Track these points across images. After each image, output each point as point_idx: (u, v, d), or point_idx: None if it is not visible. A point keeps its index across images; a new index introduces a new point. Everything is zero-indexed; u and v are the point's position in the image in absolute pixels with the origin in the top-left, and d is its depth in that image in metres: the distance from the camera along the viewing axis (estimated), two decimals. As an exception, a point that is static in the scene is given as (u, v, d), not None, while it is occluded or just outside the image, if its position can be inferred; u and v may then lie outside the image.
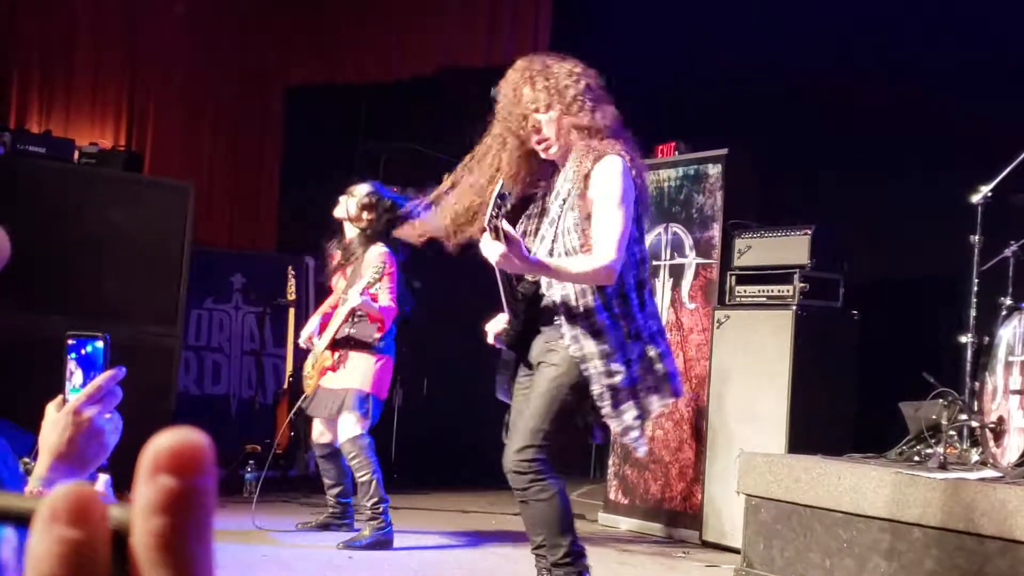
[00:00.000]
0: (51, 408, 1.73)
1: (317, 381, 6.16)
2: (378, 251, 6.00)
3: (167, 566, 0.43)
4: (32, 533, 0.43)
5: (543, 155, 4.15)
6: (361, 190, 6.22)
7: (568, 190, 4.06)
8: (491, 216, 3.67)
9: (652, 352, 4.11)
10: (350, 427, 5.94)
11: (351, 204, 6.18)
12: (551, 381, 4.02)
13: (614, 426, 4.07)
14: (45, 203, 6.81)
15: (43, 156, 7.04)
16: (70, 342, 1.76)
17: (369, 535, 5.82)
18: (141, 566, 0.43)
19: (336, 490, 6.26)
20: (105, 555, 0.43)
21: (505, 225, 3.71)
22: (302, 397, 6.35)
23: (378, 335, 6.01)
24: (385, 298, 5.94)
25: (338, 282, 6.29)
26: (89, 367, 1.76)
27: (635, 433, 4.07)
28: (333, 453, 6.19)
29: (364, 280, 5.81)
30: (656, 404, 4.13)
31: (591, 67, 4.24)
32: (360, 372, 6.02)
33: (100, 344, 1.76)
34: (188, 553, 0.43)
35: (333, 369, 6.07)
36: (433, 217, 4.37)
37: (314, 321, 6.40)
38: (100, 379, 1.74)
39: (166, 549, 0.43)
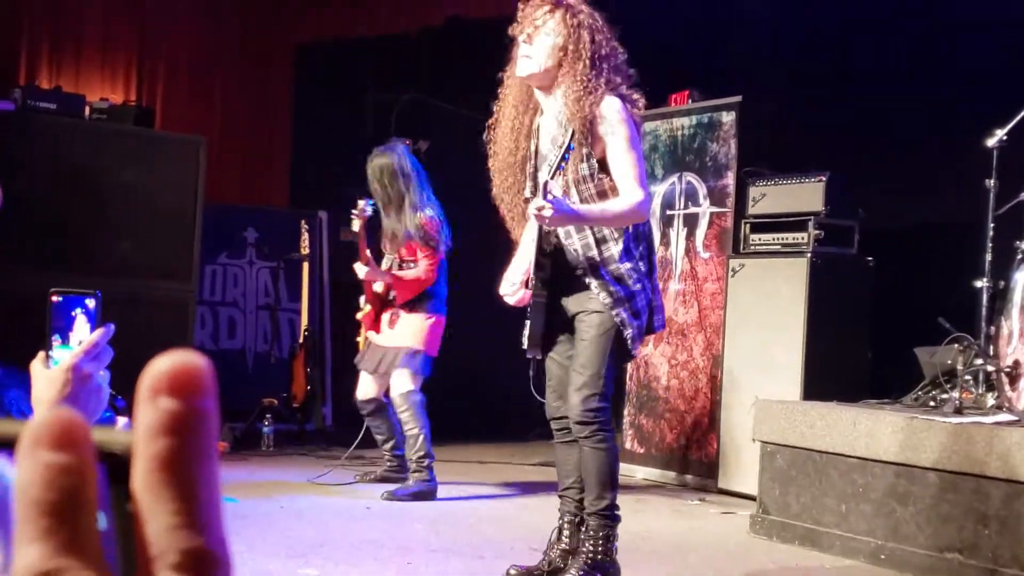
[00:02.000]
0: (38, 365, 1.73)
1: (365, 336, 6.25)
2: (422, 220, 6.03)
3: (171, 487, 0.42)
4: (17, 459, 0.43)
5: (519, 71, 4.14)
6: (389, 156, 6.16)
7: (570, 134, 4.06)
8: (543, 182, 3.87)
9: (651, 285, 4.23)
10: (403, 382, 6.01)
11: (383, 171, 6.15)
12: (597, 328, 4.11)
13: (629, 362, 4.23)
14: (57, 159, 6.81)
15: (54, 112, 7.03)
16: (55, 299, 1.75)
17: (413, 484, 5.92)
18: (144, 490, 0.42)
19: (389, 444, 6.30)
20: (92, 479, 0.42)
21: (552, 186, 3.90)
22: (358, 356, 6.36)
23: (429, 291, 6.08)
24: (421, 265, 6.04)
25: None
26: (77, 323, 1.75)
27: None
28: (379, 409, 6.22)
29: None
30: (642, 335, 4.26)
31: (606, 17, 4.23)
32: (411, 330, 6.07)
33: (92, 302, 1.76)
34: (193, 474, 0.42)
35: (387, 324, 6.13)
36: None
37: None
38: (95, 335, 1.73)
39: (170, 471, 0.42)
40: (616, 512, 4.18)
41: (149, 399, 0.43)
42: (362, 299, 6.25)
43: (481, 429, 8.39)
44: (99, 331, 1.74)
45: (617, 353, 4.16)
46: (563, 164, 3.98)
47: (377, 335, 6.19)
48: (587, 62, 4.08)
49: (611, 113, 4.06)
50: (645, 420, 6.98)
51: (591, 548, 4.12)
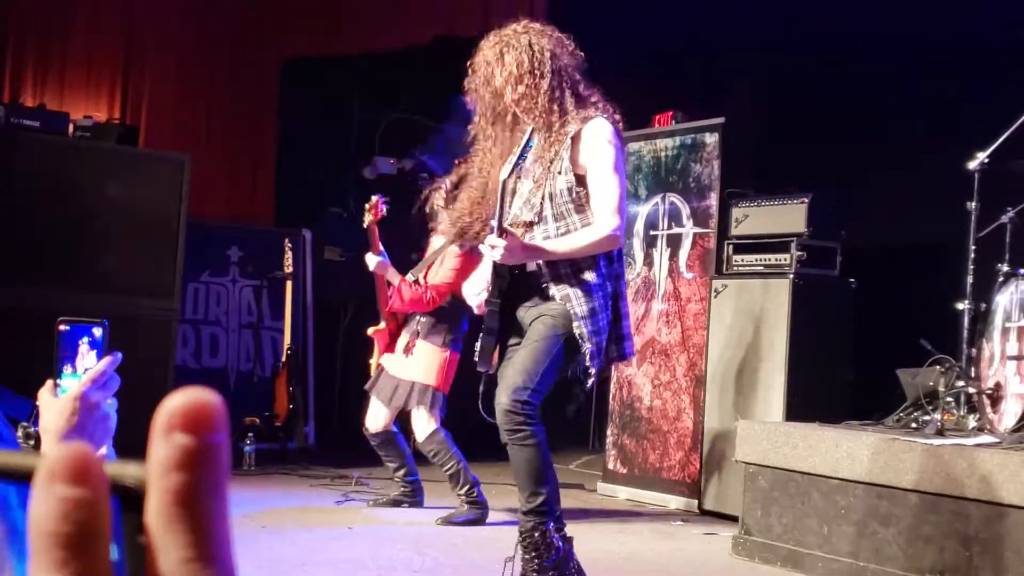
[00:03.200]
0: (45, 393, 1.73)
1: (377, 359, 6.14)
2: (454, 252, 5.87)
3: (184, 522, 0.43)
4: (33, 492, 0.44)
5: (526, 120, 4.16)
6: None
7: (554, 152, 4.08)
8: (499, 216, 3.90)
9: (616, 313, 4.21)
10: (424, 424, 5.95)
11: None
12: (547, 329, 4.10)
13: (589, 383, 4.16)
14: (40, 177, 6.79)
15: (37, 130, 7.02)
16: (62, 328, 1.76)
17: (468, 512, 5.86)
18: (157, 524, 0.44)
19: (401, 471, 6.19)
20: (106, 512, 0.44)
21: (506, 224, 3.96)
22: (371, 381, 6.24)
23: (450, 326, 5.96)
24: (435, 282, 5.90)
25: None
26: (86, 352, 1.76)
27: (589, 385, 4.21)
28: (388, 439, 6.10)
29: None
30: (606, 363, 4.24)
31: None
32: (427, 364, 5.96)
33: (99, 331, 1.77)
34: (205, 509, 0.44)
35: (403, 351, 6.01)
36: (457, 206, 4.45)
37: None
38: (102, 364, 1.74)
39: (183, 505, 0.44)
40: (553, 508, 4.11)
41: (164, 435, 0.44)
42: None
43: (466, 448, 8.35)
44: (106, 359, 1.74)
45: (562, 363, 4.13)
46: (520, 162, 3.99)
47: (391, 358, 6.05)
48: (556, 85, 4.11)
49: (598, 134, 4.08)
50: (628, 440, 6.98)
51: (534, 555, 4.07)
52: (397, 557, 4.98)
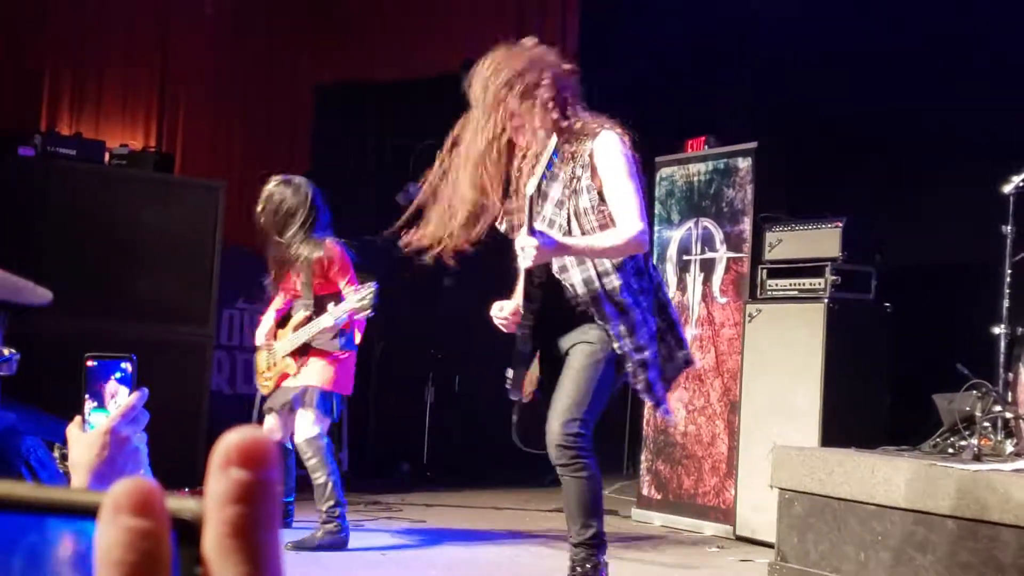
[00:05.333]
0: (74, 429, 1.74)
1: (276, 384, 5.90)
2: (328, 244, 5.72)
3: (240, 551, 0.46)
4: (99, 524, 0.47)
5: (518, 141, 4.16)
6: (270, 189, 5.93)
7: (572, 171, 4.08)
8: (528, 220, 3.86)
9: (667, 322, 4.17)
10: (307, 426, 5.70)
11: (284, 198, 5.85)
12: (588, 357, 4.07)
13: (648, 400, 4.13)
14: (77, 205, 6.86)
15: (74, 158, 7.09)
16: (90, 364, 1.77)
17: (321, 536, 5.62)
18: (214, 554, 0.47)
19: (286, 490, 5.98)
20: (167, 543, 0.47)
21: (537, 223, 3.93)
22: (257, 395, 6.09)
23: (340, 342, 5.78)
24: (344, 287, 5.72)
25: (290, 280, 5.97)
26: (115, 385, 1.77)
27: (664, 405, 4.20)
28: (281, 454, 5.91)
29: (347, 307, 5.59)
30: (673, 373, 4.20)
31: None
32: (319, 369, 5.77)
33: (128, 364, 1.78)
34: (259, 539, 0.47)
35: (295, 362, 5.82)
36: (423, 230, 4.36)
37: (269, 320, 6.08)
38: (132, 398, 1.75)
39: (239, 536, 0.47)
40: (603, 538, 4.09)
41: (222, 469, 0.48)
42: (281, 350, 5.89)
43: (497, 474, 8.36)
44: (135, 394, 1.76)
45: (609, 388, 4.11)
46: (546, 175, 3.99)
47: (289, 380, 5.85)
48: (555, 101, 4.11)
49: (609, 146, 4.08)
50: (662, 466, 6.95)
51: None
52: (430, 583, 4.97)
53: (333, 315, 5.65)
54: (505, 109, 4.13)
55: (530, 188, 3.98)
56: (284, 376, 5.88)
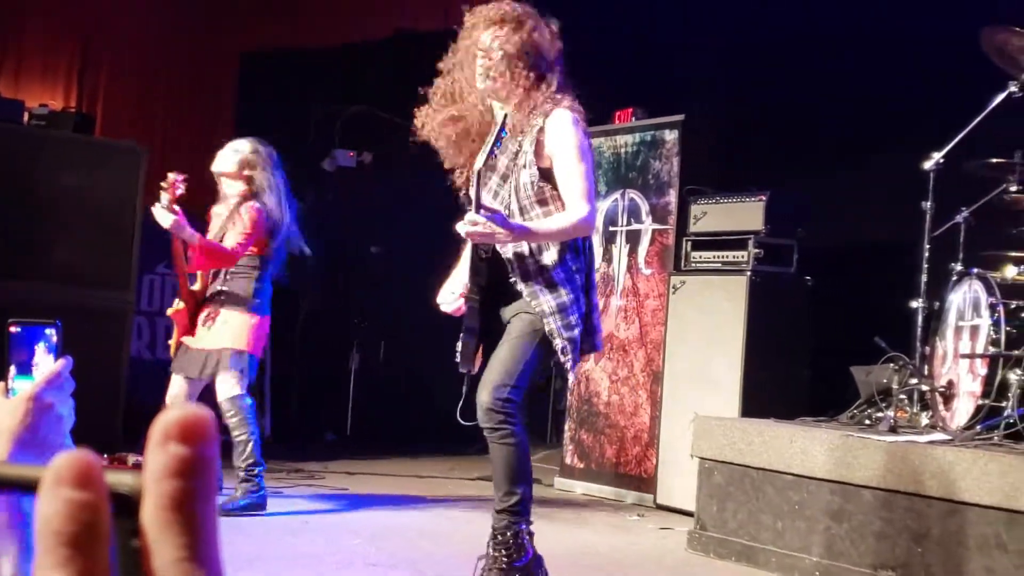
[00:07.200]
0: None
1: (178, 339, 5.80)
2: (250, 204, 5.70)
3: (178, 524, 0.48)
4: (40, 496, 0.48)
5: (483, 83, 4.14)
6: (244, 145, 5.87)
7: (519, 144, 4.07)
8: (476, 195, 3.84)
9: (589, 304, 4.20)
10: (230, 387, 5.64)
11: (231, 160, 5.81)
12: (527, 325, 4.08)
13: (570, 378, 4.16)
14: (-5, 166, 6.71)
15: (-8, 118, 6.94)
16: (13, 330, 1.74)
17: (241, 496, 5.61)
18: (153, 526, 0.48)
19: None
20: (107, 514, 0.48)
21: (487, 200, 3.92)
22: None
23: (252, 290, 5.73)
24: (231, 241, 5.64)
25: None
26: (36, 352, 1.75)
27: (571, 382, 4.24)
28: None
29: (233, 234, 5.58)
30: (580, 356, 4.23)
31: (556, 26, 4.25)
32: (233, 330, 5.70)
33: (52, 331, 1.76)
34: (197, 513, 0.48)
35: (202, 324, 5.74)
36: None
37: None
38: (57, 365, 1.73)
39: (177, 509, 0.48)
40: (527, 507, 4.11)
41: (160, 444, 0.49)
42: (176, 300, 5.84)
43: (421, 442, 8.37)
44: (60, 361, 1.73)
45: (541, 361, 4.12)
46: (495, 150, 3.99)
47: (194, 338, 5.76)
48: (535, 73, 4.11)
49: (561, 125, 4.08)
50: (585, 435, 7.00)
51: (504, 553, 4.07)
52: (354, 551, 4.98)
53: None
54: (499, 59, 4.09)
55: (478, 162, 3.96)
56: (182, 318, 5.77)
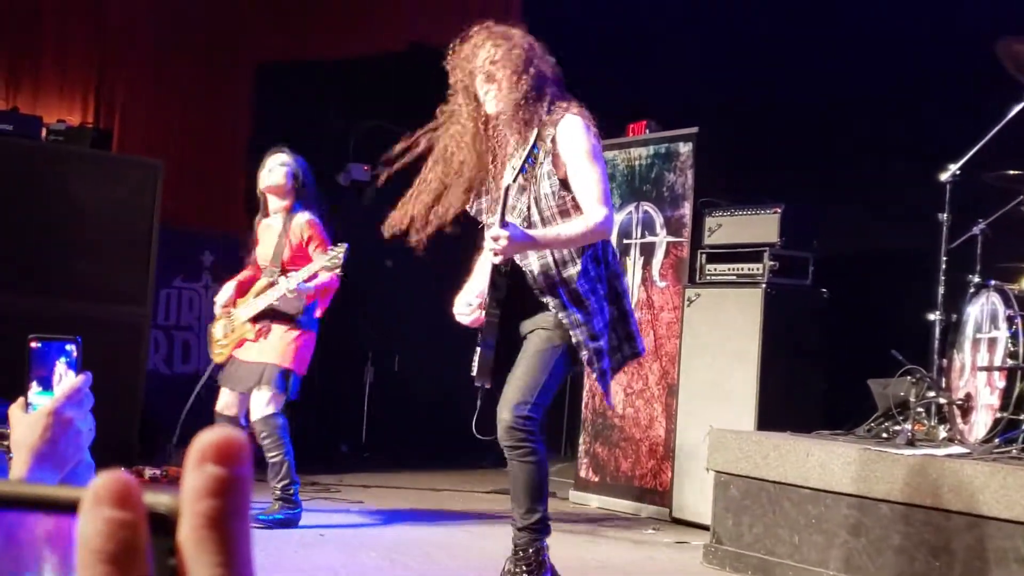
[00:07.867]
0: (16, 409, 1.72)
1: (231, 352, 5.84)
2: (305, 218, 5.77)
3: (214, 542, 0.49)
4: (80, 516, 0.50)
5: (490, 106, 4.15)
6: (288, 158, 5.94)
7: (535, 156, 4.08)
8: (501, 212, 3.89)
9: (620, 311, 4.19)
10: (263, 405, 5.66)
11: (281, 173, 5.90)
12: (544, 342, 4.09)
13: (601, 387, 4.18)
14: (12, 181, 6.75)
15: (10, 134, 6.97)
16: (34, 345, 1.75)
17: (278, 510, 5.63)
18: (189, 545, 0.50)
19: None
20: (145, 533, 0.50)
21: (508, 216, 3.95)
22: (210, 366, 6.07)
23: (302, 308, 5.76)
24: (325, 275, 5.68)
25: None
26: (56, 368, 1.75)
27: (609, 396, 4.29)
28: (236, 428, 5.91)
29: (314, 267, 5.59)
30: (617, 364, 4.23)
31: (560, 43, 4.27)
32: (280, 346, 5.73)
33: (72, 347, 1.77)
34: (232, 531, 0.50)
35: (253, 340, 5.78)
36: (401, 211, 4.39)
37: (229, 288, 5.97)
38: (77, 381, 1.73)
39: (213, 527, 0.50)
40: (547, 524, 4.12)
41: (197, 465, 0.50)
42: (241, 315, 5.82)
43: (435, 455, 8.36)
44: (80, 377, 1.74)
45: (561, 376, 4.13)
46: (526, 167, 4.00)
47: (243, 349, 5.79)
48: (537, 87, 4.12)
49: (572, 130, 4.08)
50: (600, 448, 6.99)
51: (525, 570, 4.08)
52: (369, 564, 4.97)
53: (297, 277, 5.64)
54: (495, 84, 4.11)
55: (507, 179, 3.98)
56: (242, 342, 5.82)
